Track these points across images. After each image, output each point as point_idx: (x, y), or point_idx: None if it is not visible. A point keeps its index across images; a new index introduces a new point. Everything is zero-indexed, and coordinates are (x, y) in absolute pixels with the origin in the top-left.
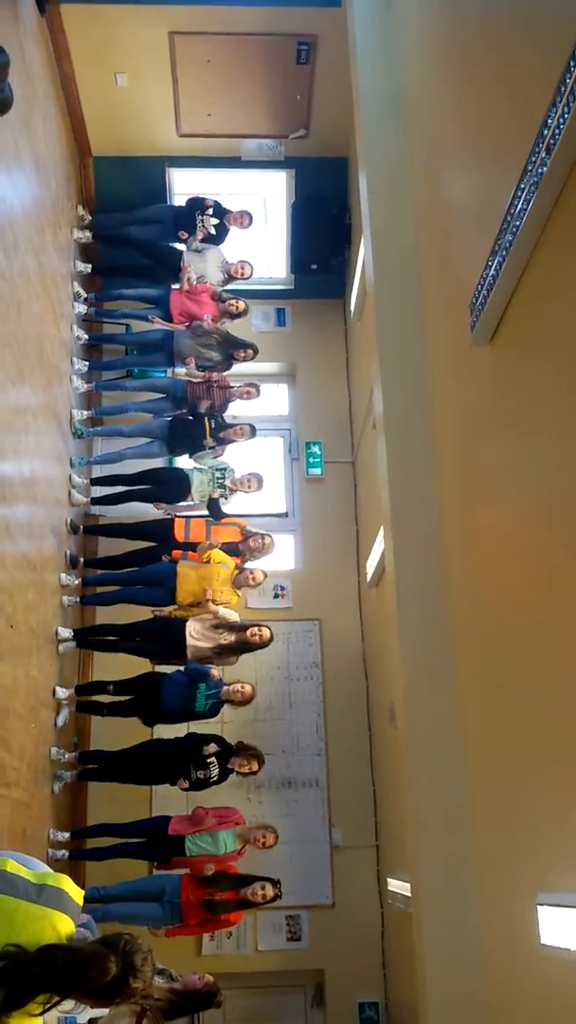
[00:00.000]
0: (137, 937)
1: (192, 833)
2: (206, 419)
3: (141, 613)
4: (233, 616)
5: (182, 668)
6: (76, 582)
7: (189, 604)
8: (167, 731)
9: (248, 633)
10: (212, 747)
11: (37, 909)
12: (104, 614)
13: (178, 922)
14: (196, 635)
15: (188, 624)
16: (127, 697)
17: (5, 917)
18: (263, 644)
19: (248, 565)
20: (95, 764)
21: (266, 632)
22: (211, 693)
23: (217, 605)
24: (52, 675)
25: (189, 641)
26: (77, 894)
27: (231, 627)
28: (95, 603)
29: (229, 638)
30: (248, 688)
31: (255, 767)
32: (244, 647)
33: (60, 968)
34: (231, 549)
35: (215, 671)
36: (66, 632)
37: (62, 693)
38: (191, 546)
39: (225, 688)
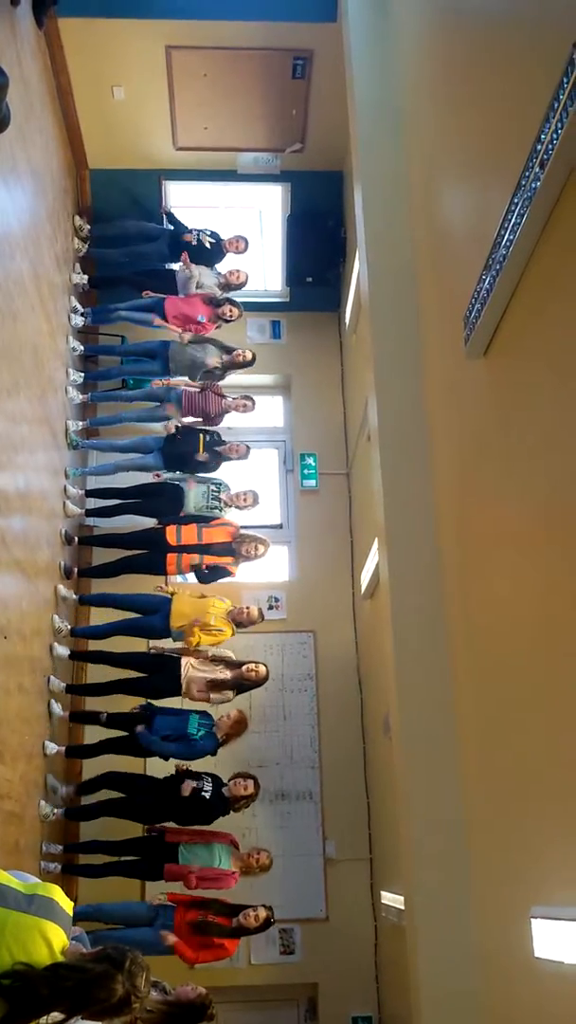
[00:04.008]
0: (137, 954)
1: (187, 841)
2: (200, 434)
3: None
4: (227, 653)
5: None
6: (73, 598)
7: (184, 627)
8: (160, 770)
9: (244, 669)
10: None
11: (27, 919)
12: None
13: (170, 948)
14: (192, 667)
15: (184, 658)
16: (120, 735)
17: None
18: (259, 681)
19: (241, 575)
20: (88, 793)
21: (262, 669)
22: (204, 722)
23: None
24: (45, 687)
25: (184, 671)
26: (67, 904)
27: (227, 663)
28: (88, 636)
29: (225, 673)
30: (234, 712)
31: (251, 789)
32: (240, 684)
33: (70, 989)
34: (224, 550)
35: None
36: (63, 650)
37: (57, 709)
38: (184, 549)
39: (216, 720)
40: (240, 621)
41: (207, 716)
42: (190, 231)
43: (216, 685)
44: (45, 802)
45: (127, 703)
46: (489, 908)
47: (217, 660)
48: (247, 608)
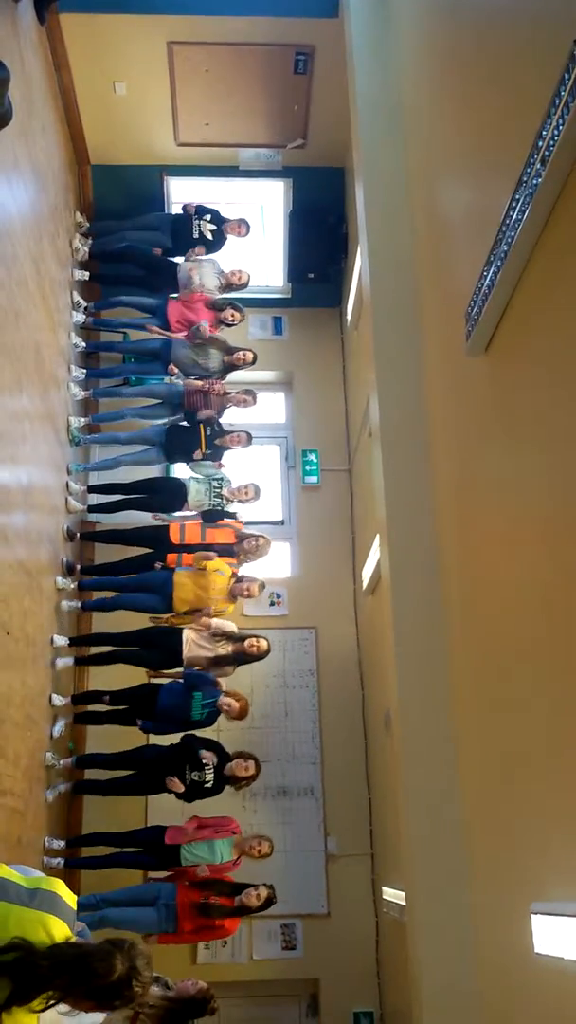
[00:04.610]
0: (138, 942)
1: (188, 842)
2: (202, 427)
3: (137, 621)
4: (230, 626)
5: (180, 679)
6: (72, 586)
7: (185, 612)
8: (164, 741)
9: (246, 644)
10: (209, 754)
11: (29, 913)
12: (100, 622)
13: (172, 926)
14: (194, 643)
15: (186, 632)
16: (124, 707)
17: None
18: (260, 656)
19: (244, 571)
20: (92, 768)
21: (263, 643)
22: (207, 702)
23: (211, 619)
24: (48, 682)
25: (186, 648)
26: (71, 899)
27: (229, 637)
28: (94, 609)
29: (227, 648)
30: (236, 705)
31: (252, 770)
32: (241, 658)
33: (69, 963)
34: (226, 550)
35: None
36: (62, 640)
37: (58, 701)
38: (187, 548)
39: (220, 699)
40: (240, 595)
41: (211, 690)
42: (195, 221)
43: (217, 663)
44: (51, 754)
45: (129, 680)
46: (490, 904)
47: (219, 635)
48: (247, 586)
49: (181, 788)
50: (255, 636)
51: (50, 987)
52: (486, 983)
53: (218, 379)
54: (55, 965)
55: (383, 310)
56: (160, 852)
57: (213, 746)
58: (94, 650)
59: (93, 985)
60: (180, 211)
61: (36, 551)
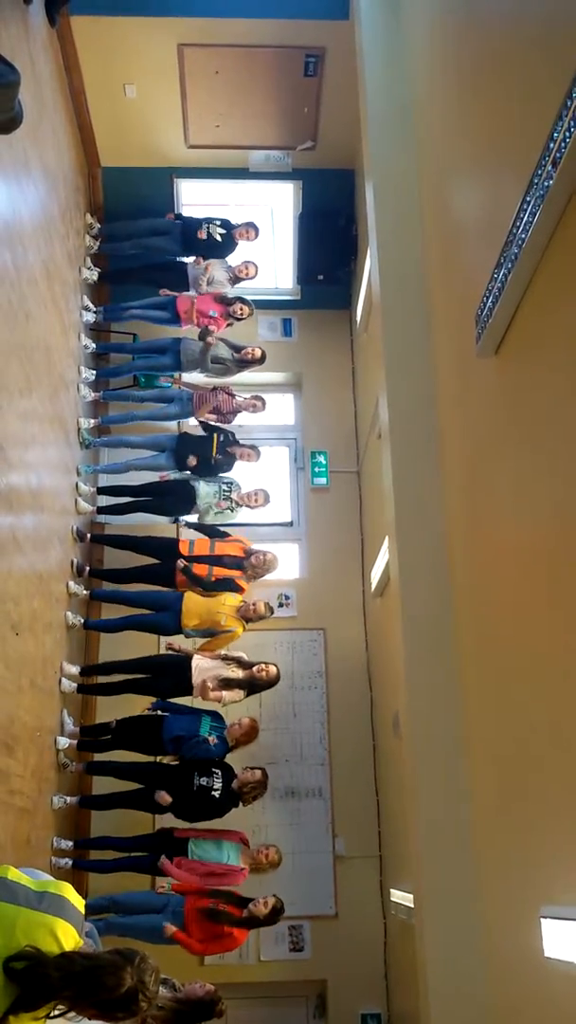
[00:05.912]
0: (148, 955)
1: (198, 837)
2: (215, 435)
3: (145, 644)
4: (239, 654)
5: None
6: (84, 592)
7: (195, 626)
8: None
9: (255, 670)
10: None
11: (38, 916)
12: (107, 644)
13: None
14: (203, 669)
15: (195, 659)
16: (131, 733)
17: (5, 924)
18: (270, 681)
19: (250, 581)
20: (103, 775)
21: (272, 669)
22: (216, 725)
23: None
24: (57, 685)
25: (195, 675)
26: (79, 902)
27: (238, 662)
28: (100, 629)
29: (237, 672)
30: (246, 720)
31: (259, 775)
32: (252, 685)
33: (79, 974)
34: (235, 563)
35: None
36: (73, 668)
37: (68, 685)
38: (195, 559)
39: (228, 727)
40: (248, 617)
41: (219, 719)
42: (201, 226)
43: (228, 683)
44: (63, 751)
45: (138, 703)
46: (498, 907)
47: (229, 659)
48: (253, 604)
49: (168, 800)
50: (264, 662)
51: (57, 997)
52: (495, 986)
53: (234, 371)
54: (65, 976)
55: (393, 311)
56: (168, 846)
57: (221, 766)
58: (101, 680)
59: (100, 998)
60: (172, 218)
61: (46, 552)
